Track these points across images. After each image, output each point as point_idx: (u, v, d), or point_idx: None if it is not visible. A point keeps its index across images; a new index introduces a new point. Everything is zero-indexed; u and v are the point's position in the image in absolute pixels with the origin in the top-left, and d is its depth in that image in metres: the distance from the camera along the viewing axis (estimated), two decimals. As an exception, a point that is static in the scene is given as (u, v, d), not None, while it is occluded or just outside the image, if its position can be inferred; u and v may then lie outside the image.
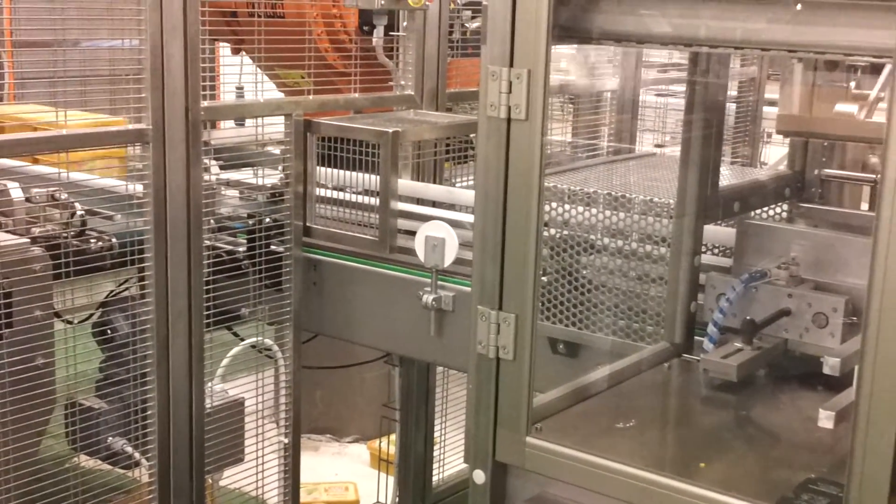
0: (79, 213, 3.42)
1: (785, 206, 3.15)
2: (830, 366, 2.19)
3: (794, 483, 1.93)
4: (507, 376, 2.09)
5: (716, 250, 3.10)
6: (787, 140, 3.28)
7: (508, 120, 2.01)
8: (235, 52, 4.81)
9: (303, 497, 4.41)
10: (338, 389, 5.69)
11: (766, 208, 3.13)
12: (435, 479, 4.68)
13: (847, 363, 2.15)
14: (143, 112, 3.26)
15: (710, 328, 2.53)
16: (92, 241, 3.38)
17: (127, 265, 3.37)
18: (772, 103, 5.38)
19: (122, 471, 3.55)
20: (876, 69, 2.32)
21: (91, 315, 3.62)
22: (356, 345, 4.21)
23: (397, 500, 4.61)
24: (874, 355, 1.64)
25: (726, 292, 2.54)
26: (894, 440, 1.63)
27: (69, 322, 3.44)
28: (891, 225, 1.60)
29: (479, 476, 2.16)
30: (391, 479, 4.63)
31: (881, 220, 1.61)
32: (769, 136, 5.90)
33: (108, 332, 3.50)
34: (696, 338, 2.65)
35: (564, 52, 5.37)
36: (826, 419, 2.03)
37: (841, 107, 2.44)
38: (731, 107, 5.46)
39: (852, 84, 2.46)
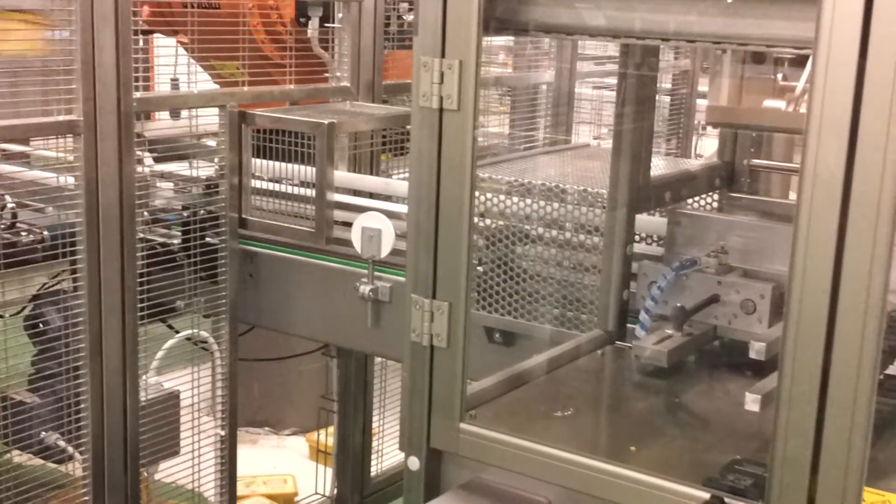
0: (9, 205, 3.37)
1: (715, 196, 3.21)
2: (757, 350, 2.25)
3: (720, 464, 1.97)
4: (441, 364, 2.11)
5: (648, 240, 3.15)
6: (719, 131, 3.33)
7: (441, 110, 2.02)
8: (172, 34, 4.75)
9: (241, 490, 4.39)
10: (275, 382, 5.68)
11: (697, 198, 3.19)
12: (373, 470, 4.68)
13: (773, 348, 2.20)
14: (73, 103, 3.22)
15: (642, 315, 2.57)
16: (23, 233, 3.33)
17: (59, 258, 3.32)
18: (705, 96, 5.46)
19: (55, 465, 3.51)
20: (802, 61, 2.37)
21: (23, 309, 3.57)
22: (293, 336, 4.20)
23: (335, 491, 4.61)
24: (795, 339, 1.68)
25: (657, 280, 2.58)
26: (814, 422, 1.68)
27: (0, 316, 3.39)
28: (810, 212, 1.64)
29: (414, 462, 2.18)
30: (329, 471, 4.63)
31: (801, 208, 1.65)
32: (704, 128, 5.98)
33: (41, 325, 3.46)
34: (629, 325, 2.69)
35: (502, 45, 5.41)
36: (752, 402, 2.07)
37: (769, 100, 2.48)
38: (665, 99, 5.54)
39: (779, 76, 2.51)
